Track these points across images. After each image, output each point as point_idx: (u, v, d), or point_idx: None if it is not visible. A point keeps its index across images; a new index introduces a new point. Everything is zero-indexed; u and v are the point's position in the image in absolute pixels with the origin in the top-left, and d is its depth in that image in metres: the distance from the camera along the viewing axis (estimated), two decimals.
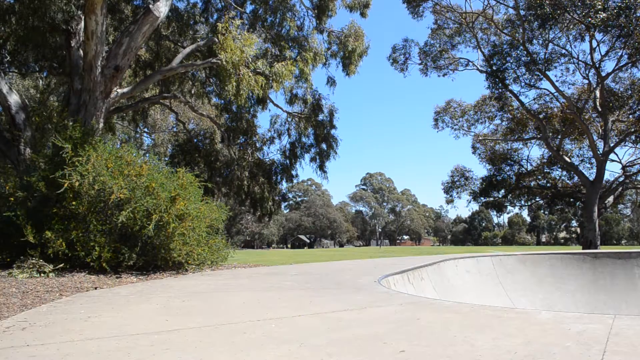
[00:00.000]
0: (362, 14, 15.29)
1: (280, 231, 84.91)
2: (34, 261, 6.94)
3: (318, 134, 17.41)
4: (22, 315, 3.98)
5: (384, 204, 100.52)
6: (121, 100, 12.27)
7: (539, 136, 28.59)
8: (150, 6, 9.55)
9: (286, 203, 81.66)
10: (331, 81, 16.81)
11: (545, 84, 26.30)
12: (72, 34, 10.65)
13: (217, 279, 7.07)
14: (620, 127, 27.22)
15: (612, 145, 25.70)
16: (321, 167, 17.76)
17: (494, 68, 25.42)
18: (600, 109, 24.75)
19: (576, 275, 11.23)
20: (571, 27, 23.09)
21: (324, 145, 17.63)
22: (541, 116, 27.42)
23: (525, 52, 24.40)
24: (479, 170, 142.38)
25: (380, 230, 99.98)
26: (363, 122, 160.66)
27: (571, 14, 21.58)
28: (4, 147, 9.90)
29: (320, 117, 17.38)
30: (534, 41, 24.41)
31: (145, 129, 29.73)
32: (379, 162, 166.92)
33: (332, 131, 17.52)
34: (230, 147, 18.37)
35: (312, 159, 17.91)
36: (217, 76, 12.91)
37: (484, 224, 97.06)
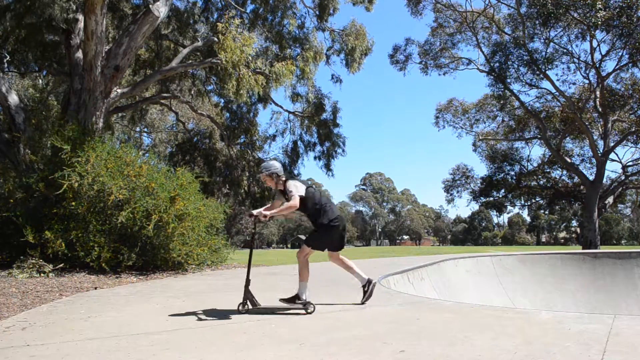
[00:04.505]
0: (367, 9, 15.08)
1: (280, 231, 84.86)
2: (33, 261, 6.94)
3: (322, 132, 17.35)
4: (22, 315, 3.98)
5: (384, 204, 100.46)
6: (121, 100, 12.26)
7: (539, 135, 28.58)
8: (150, 6, 9.54)
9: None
10: (335, 78, 16.70)
11: (545, 83, 26.26)
12: (71, 34, 10.64)
13: (217, 279, 7.06)
14: (620, 126, 27.21)
15: (612, 145, 25.69)
16: (327, 166, 17.64)
17: (495, 67, 25.41)
18: (600, 109, 24.74)
19: (576, 275, 11.23)
20: (572, 26, 23.07)
21: (328, 144, 17.56)
22: (542, 115, 27.41)
23: (526, 52, 24.40)
24: (480, 170, 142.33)
25: (380, 230, 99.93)
26: (363, 121, 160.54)
27: (572, 13, 21.57)
28: (4, 147, 9.89)
29: (324, 115, 17.31)
30: (535, 39, 24.40)
31: (145, 129, 29.69)
32: (379, 162, 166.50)
33: (336, 130, 17.45)
34: (230, 147, 18.35)
35: (317, 158, 17.80)
36: (217, 75, 12.91)
37: (484, 224, 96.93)
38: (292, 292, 4.40)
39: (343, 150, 17.59)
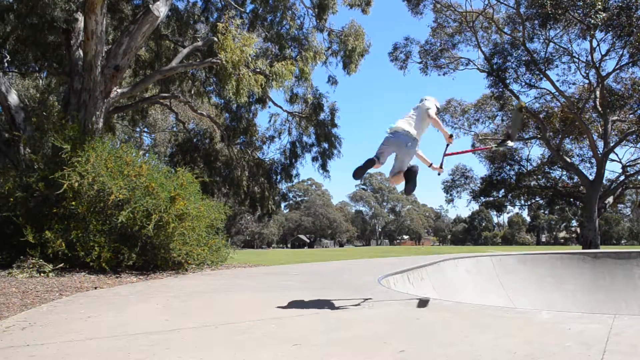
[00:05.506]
0: (364, 11, 15.18)
1: (280, 231, 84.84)
2: (34, 261, 6.93)
3: (319, 133, 17.42)
4: (22, 315, 3.98)
5: (384, 203, 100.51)
6: (121, 100, 12.26)
7: (539, 136, 28.59)
8: (150, 6, 9.54)
9: (286, 203, 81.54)
10: (332, 80, 16.81)
11: (545, 83, 26.27)
12: (71, 34, 10.64)
13: (217, 278, 7.06)
14: (620, 126, 27.21)
15: (612, 145, 25.69)
16: (323, 167, 17.75)
17: (495, 67, 25.41)
18: (600, 109, 24.75)
19: (576, 275, 11.22)
20: (572, 25, 23.07)
21: (325, 145, 17.64)
22: (541, 116, 27.40)
23: (525, 52, 24.40)
24: (480, 169, 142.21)
25: (380, 230, 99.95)
26: (363, 121, 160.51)
27: (572, 13, 21.57)
28: (4, 147, 9.89)
29: (322, 116, 17.37)
30: (535, 39, 24.42)
31: (145, 129, 29.71)
32: None
33: (334, 130, 17.53)
34: (230, 147, 18.36)
35: (314, 159, 17.91)
36: (217, 75, 12.91)
37: (484, 224, 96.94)
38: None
39: (339, 151, 17.69)
